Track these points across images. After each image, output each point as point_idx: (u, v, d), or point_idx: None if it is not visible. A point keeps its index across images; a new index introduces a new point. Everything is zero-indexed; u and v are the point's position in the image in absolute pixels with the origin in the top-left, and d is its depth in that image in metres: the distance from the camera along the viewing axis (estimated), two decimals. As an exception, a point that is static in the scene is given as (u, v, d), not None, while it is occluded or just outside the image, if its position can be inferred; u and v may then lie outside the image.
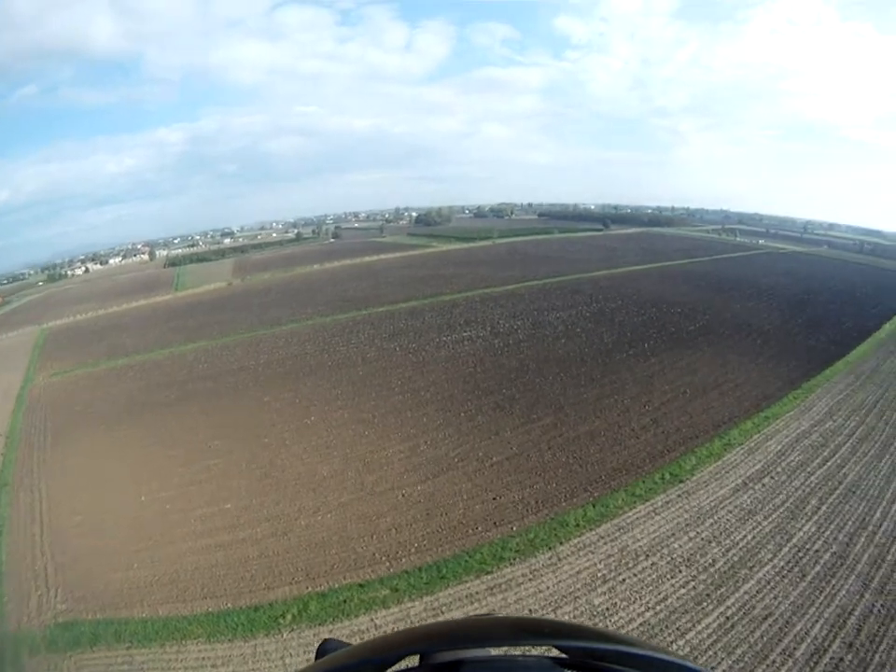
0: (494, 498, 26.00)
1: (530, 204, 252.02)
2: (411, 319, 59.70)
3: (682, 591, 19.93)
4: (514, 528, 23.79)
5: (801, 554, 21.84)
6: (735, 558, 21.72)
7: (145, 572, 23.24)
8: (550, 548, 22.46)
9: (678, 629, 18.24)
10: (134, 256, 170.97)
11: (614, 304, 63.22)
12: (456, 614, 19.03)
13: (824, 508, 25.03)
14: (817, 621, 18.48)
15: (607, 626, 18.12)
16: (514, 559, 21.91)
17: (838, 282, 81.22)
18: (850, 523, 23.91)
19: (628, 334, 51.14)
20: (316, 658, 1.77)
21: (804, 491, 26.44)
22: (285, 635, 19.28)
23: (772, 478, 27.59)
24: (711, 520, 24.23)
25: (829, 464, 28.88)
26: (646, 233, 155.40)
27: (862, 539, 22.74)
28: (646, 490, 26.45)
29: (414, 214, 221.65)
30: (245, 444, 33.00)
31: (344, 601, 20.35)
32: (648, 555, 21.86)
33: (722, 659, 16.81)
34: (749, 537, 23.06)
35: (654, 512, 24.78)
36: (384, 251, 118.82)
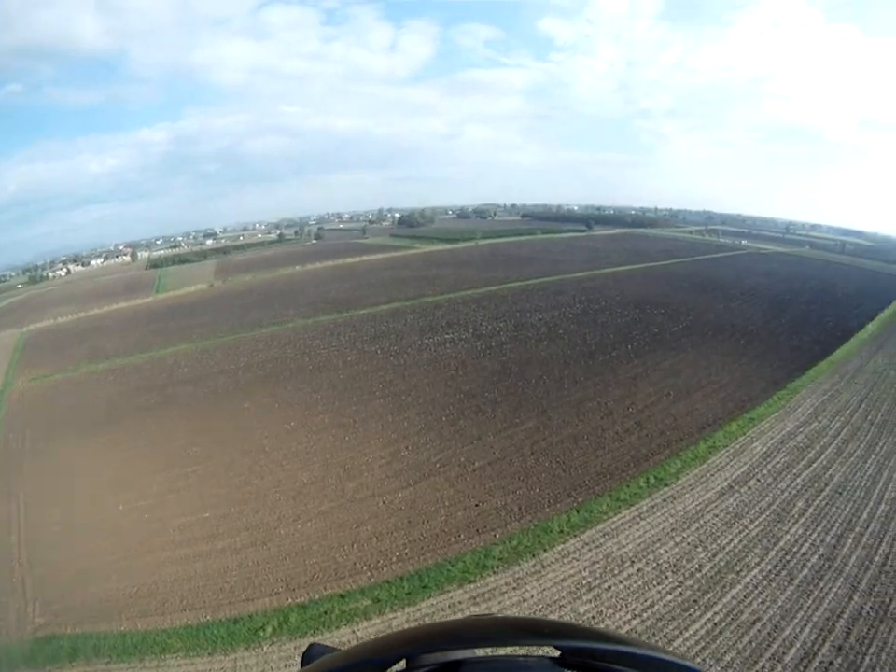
0: (476, 505, 25.85)
1: (513, 205, 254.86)
2: (392, 321, 59.68)
3: (669, 597, 19.92)
4: (497, 535, 23.64)
5: (788, 558, 22.00)
6: (722, 563, 21.80)
7: (123, 584, 22.77)
8: (534, 555, 22.33)
9: (665, 636, 18.21)
10: (116, 257, 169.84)
11: (597, 305, 63.66)
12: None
13: (811, 510, 25.27)
14: (805, 625, 18.58)
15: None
16: (498, 567, 21.77)
17: (820, 282, 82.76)
18: (837, 524, 24.17)
19: (611, 336, 51.40)
20: (303, 663, 1.82)
21: (790, 493, 26.68)
22: (265, 648, 19.00)
23: (758, 480, 27.81)
24: (697, 524, 24.31)
25: (815, 465, 29.21)
26: (629, 234, 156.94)
27: (850, 541, 22.98)
28: (630, 495, 26.47)
29: (398, 215, 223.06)
30: (225, 450, 32.60)
31: (325, 612, 20.12)
32: (633, 561, 21.83)
33: (711, 666, 16.80)
34: (736, 541, 23.17)
35: (639, 517, 24.80)
36: (366, 252, 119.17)
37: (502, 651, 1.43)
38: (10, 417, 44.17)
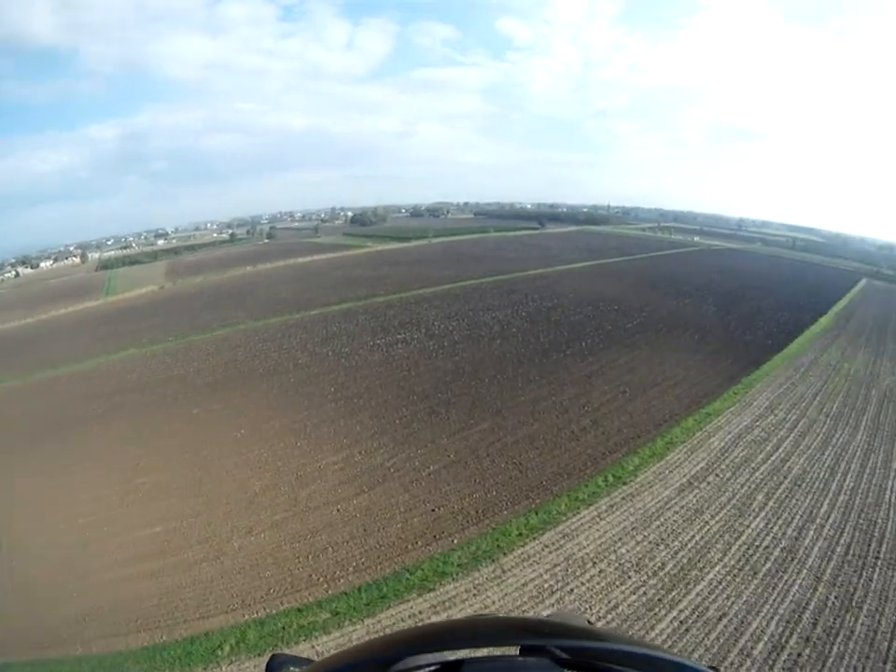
0: (433, 510, 25.43)
1: (466, 203, 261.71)
2: (344, 322, 59.28)
3: (633, 597, 19.86)
4: (455, 541, 23.27)
5: (751, 552, 22.32)
6: (685, 560, 21.92)
7: (75, 605, 21.43)
8: (493, 560, 22.00)
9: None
10: (66, 258, 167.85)
11: (550, 303, 64.41)
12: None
13: (771, 503, 25.79)
14: (772, 618, 18.82)
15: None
16: (457, 574, 21.37)
17: (773, 277, 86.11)
18: (798, 517, 24.73)
19: (565, 333, 51.90)
20: None
21: (749, 487, 27.19)
22: (224, 668, 18.20)
23: (717, 475, 28.26)
24: (658, 522, 24.45)
25: (773, 458, 29.93)
26: (582, 232, 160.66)
27: (811, 533, 23.53)
28: (589, 494, 26.45)
29: (350, 214, 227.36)
30: (175, 460, 31.37)
31: (283, 628, 19.46)
32: (595, 562, 21.72)
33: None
34: (698, 537, 23.38)
35: (599, 517, 24.78)
36: (318, 252, 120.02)
37: (502, 651, 1.42)
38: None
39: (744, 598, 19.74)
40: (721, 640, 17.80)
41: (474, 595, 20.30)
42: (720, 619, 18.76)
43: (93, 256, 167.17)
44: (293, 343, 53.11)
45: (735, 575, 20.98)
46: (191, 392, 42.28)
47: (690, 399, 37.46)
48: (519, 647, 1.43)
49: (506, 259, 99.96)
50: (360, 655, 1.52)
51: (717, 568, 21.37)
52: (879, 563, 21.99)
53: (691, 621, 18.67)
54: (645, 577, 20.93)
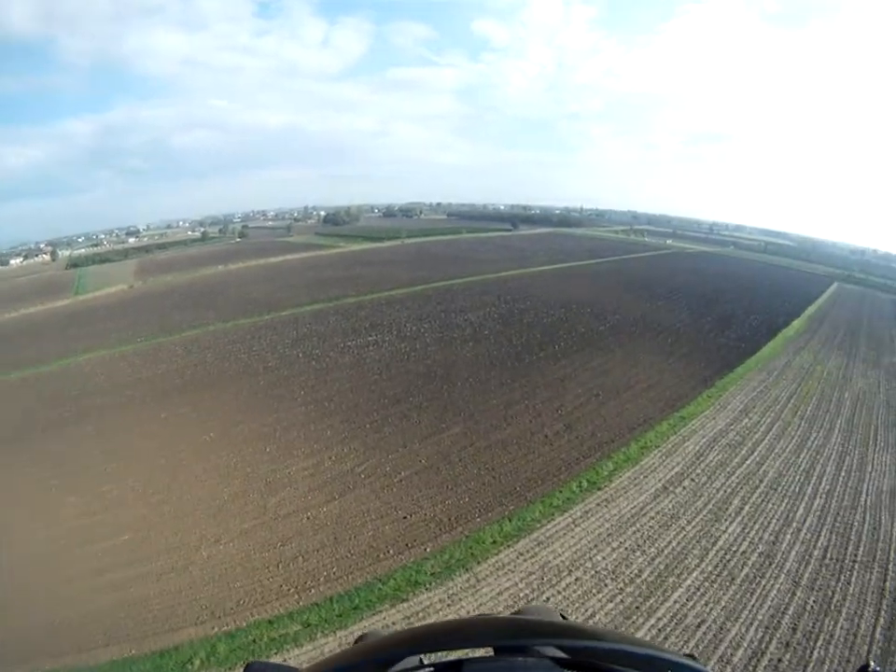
0: (405, 517, 25.12)
1: (439, 204, 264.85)
2: (315, 323, 59.03)
3: (610, 605, 19.78)
4: (428, 549, 22.97)
5: (728, 557, 22.45)
6: (662, 566, 21.95)
7: (41, 619, 20.59)
8: (467, 569, 21.76)
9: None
10: (36, 256, 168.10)
11: (523, 305, 64.73)
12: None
13: (747, 507, 26.04)
14: (751, 623, 18.90)
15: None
16: (430, 584, 21.08)
17: (746, 281, 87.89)
18: (775, 521, 25.00)
19: (538, 336, 52.10)
20: None
21: (725, 492, 27.43)
22: None
23: (692, 480, 28.45)
24: (634, 528, 24.46)
25: (748, 462, 30.28)
26: (555, 234, 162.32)
27: (788, 537, 23.81)
28: (563, 500, 26.39)
29: (323, 213, 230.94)
30: (142, 467, 30.58)
31: (254, 640, 19.00)
32: (571, 570, 21.60)
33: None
34: (675, 543, 23.45)
35: (574, 524, 24.70)
36: (290, 251, 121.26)
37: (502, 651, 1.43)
38: None
39: (722, 604, 19.80)
40: (701, 647, 17.79)
41: (448, 605, 20.02)
42: (698, 626, 18.78)
43: (64, 253, 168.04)
44: (263, 344, 52.69)
45: (712, 581, 21.05)
46: (160, 395, 41.63)
47: (664, 402, 37.76)
48: (519, 647, 1.44)
49: (479, 260, 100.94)
50: (360, 656, 1.56)
51: (694, 575, 21.41)
52: (857, 566, 22.33)
53: (669, 628, 18.64)
54: (622, 584, 20.87)
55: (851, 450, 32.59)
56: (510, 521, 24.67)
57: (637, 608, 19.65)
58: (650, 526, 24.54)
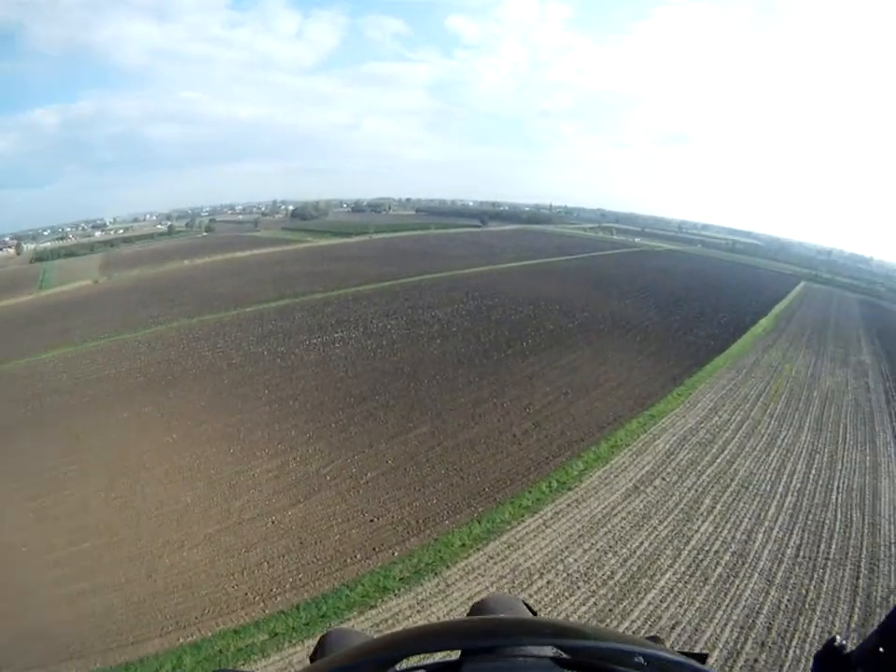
0: (371, 520, 24.68)
1: (408, 200, 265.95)
2: (280, 320, 58.24)
3: (583, 608, 19.65)
4: (396, 553, 22.61)
5: (701, 557, 22.55)
6: (635, 567, 21.92)
7: (1, 632, 19.70)
8: (436, 573, 21.44)
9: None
10: (1, 250, 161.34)
11: (491, 302, 64.77)
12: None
13: (719, 507, 26.24)
14: (726, 624, 18.99)
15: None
16: (399, 589, 20.73)
17: (713, 279, 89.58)
18: (747, 520, 25.25)
19: (506, 333, 52.08)
20: None
21: (696, 491, 27.61)
22: None
23: (663, 479, 28.58)
24: (605, 528, 24.43)
25: (719, 461, 30.56)
26: (524, 230, 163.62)
27: (761, 535, 24.06)
28: (533, 501, 26.26)
29: (291, 207, 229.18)
30: (103, 469, 29.61)
31: (220, 651, 18.48)
32: (542, 573, 21.43)
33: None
34: (647, 544, 23.47)
35: (545, 525, 24.56)
36: (257, 246, 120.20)
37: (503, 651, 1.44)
38: None
39: (696, 605, 19.85)
40: (676, 650, 17.65)
41: (418, 611, 19.68)
42: (673, 627, 18.80)
43: (29, 247, 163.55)
44: (228, 341, 51.83)
45: (686, 582, 21.10)
46: (123, 394, 40.60)
47: (633, 400, 37.98)
48: (519, 646, 1.46)
49: (447, 256, 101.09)
50: (360, 655, 1.56)
51: (668, 575, 21.44)
52: (829, 563, 22.67)
53: (644, 631, 18.54)
54: (595, 586, 20.77)
55: (821, 448, 33.16)
56: (479, 523, 24.41)
57: (610, 610, 19.56)
58: (621, 527, 24.54)
